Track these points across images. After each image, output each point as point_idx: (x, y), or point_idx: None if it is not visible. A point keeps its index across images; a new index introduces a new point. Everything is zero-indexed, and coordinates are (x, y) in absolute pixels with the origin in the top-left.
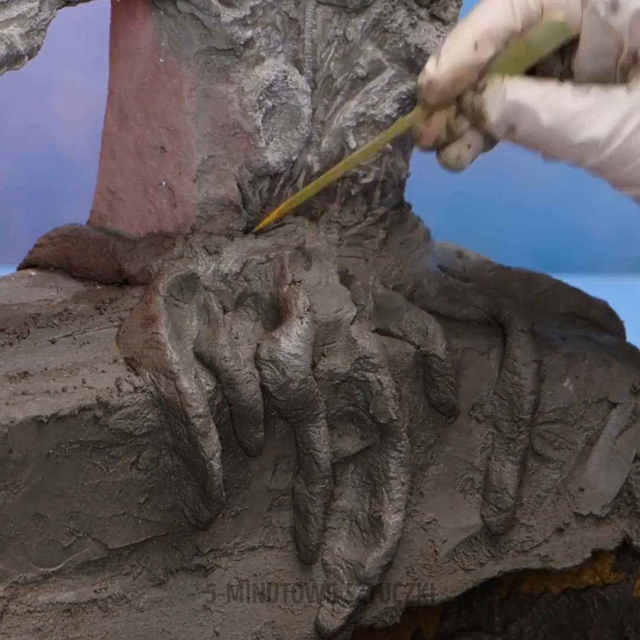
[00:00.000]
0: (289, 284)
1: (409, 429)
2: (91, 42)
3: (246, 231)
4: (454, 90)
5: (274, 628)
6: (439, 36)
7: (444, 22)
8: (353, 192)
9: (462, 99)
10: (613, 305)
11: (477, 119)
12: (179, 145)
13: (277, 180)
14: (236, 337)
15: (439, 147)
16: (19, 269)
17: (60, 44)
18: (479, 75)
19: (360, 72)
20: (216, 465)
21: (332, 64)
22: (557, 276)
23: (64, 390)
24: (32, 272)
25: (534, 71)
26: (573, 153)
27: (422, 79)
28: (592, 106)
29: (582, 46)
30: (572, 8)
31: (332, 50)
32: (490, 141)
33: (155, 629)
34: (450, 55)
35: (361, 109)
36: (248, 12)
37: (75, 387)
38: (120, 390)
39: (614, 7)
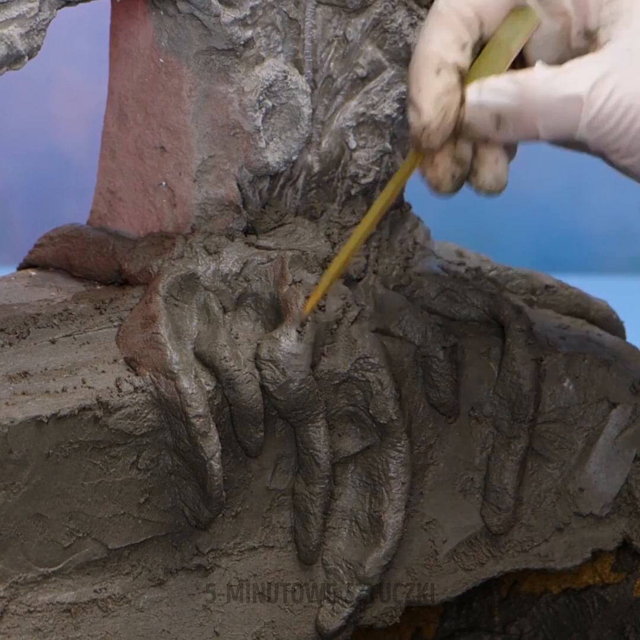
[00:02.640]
0: (289, 285)
1: (409, 429)
2: (91, 42)
3: (246, 231)
4: (448, 119)
5: (274, 628)
6: None
7: None
8: (353, 192)
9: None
10: (613, 305)
11: (470, 132)
12: (179, 145)
13: (277, 180)
14: (236, 337)
15: (460, 182)
16: (19, 269)
17: (60, 44)
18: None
19: (360, 72)
20: (216, 465)
21: (332, 64)
22: (557, 276)
23: (64, 390)
24: (32, 272)
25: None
26: (559, 118)
27: (415, 130)
28: (566, 69)
29: (533, 36)
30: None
31: (332, 50)
32: (511, 148)
33: (155, 629)
34: (422, 92)
35: (361, 109)
36: (248, 12)
37: (75, 387)
38: (120, 390)
39: None
